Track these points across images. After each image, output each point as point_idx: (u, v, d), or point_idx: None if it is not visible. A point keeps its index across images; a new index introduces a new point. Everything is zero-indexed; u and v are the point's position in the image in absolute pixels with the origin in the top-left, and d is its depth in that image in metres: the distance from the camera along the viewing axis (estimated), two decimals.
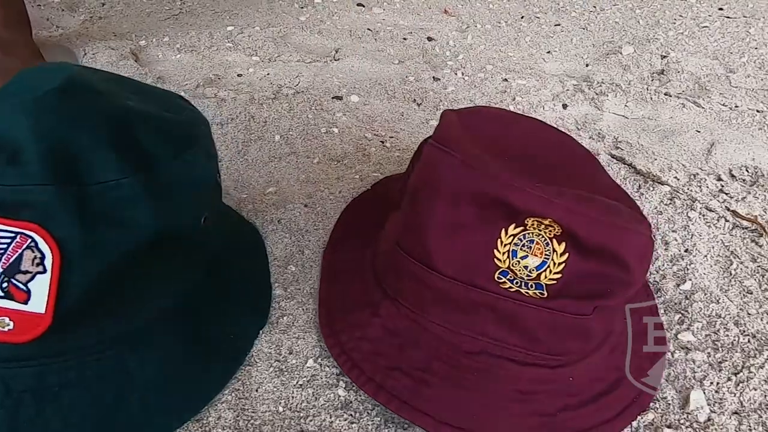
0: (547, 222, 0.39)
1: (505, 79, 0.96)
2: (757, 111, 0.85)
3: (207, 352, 0.43)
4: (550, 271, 0.40)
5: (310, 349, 0.46)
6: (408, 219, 0.44)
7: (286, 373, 0.45)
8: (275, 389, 0.43)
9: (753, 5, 1.25)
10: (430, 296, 0.42)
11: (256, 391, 0.43)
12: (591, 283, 0.40)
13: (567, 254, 0.39)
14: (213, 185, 0.44)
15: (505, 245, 0.40)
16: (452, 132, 0.44)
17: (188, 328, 0.42)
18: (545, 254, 0.39)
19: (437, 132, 0.45)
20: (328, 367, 0.45)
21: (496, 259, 0.40)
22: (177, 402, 0.39)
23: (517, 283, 0.40)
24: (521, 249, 0.40)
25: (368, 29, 1.15)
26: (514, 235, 0.40)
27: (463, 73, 0.98)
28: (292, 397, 0.43)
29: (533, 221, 0.39)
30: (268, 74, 0.95)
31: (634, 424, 0.42)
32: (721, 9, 1.25)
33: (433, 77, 0.96)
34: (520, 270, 0.40)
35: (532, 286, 0.40)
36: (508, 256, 0.40)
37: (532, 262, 0.40)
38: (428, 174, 0.42)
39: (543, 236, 0.39)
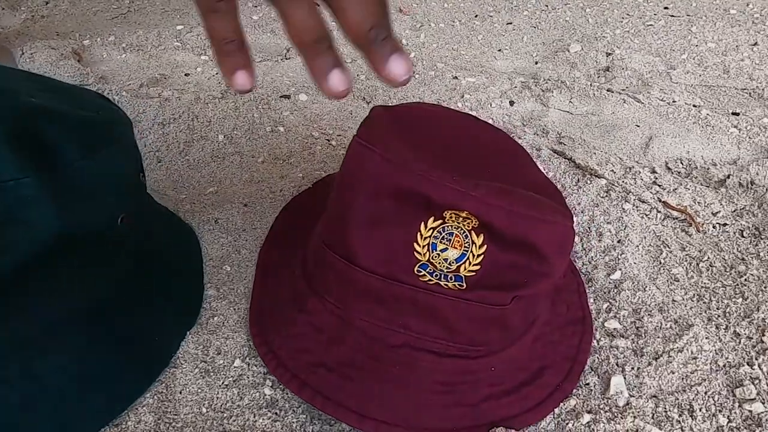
0: (464, 214, 0.39)
1: (455, 77, 0.97)
2: (694, 106, 0.88)
3: (127, 354, 0.42)
4: (470, 263, 0.40)
5: (239, 349, 0.46)
6: (331, 215, 0.44)
7: (212, 373, 0.44)
8: (199, 390, 0.43)
9: (696, 4, 1.29)
10: (353, 291, 0.42)
11: (180, 393, 0.42)
12: (509, 274, 0.40)
13: (485, 246, 0.40)
14: (132, 185, 0.43)
15: (425, 238, 0.40)
16: (376, 128, 0.44)
17: (107, 329, 0.41)
18: (464, 246, 0.40)
19: (361, 128, 0.45)
20: (256, 366, 0.45)
21: (416, 253, 0.40)
22: (92, 406, 0.38)
23: (436, 275, 0.40)
24: (441, 242, 0.40)
25: None
26: (434, 228, 0.40)
27: (414, 72, 0.99)
28: (217, 397, 0.42)
29: (451, 214, 0.40)
30: (216, 74, 0.94)
31: (557, 410, 0.43)
32: (666, 8, 1.29)
33: None
34: (440, 263, 0.40)
35: (451, 278, 0.40)
36: (428, 249, 0.40)
37: (452, 254, 0.40)
38: (350, 170, 0.42)
39: (462, 229, 0.40)
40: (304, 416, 0.42)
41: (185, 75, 0.92)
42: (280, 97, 0.88)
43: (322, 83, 0.28)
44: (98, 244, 0.39)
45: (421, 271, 0.40)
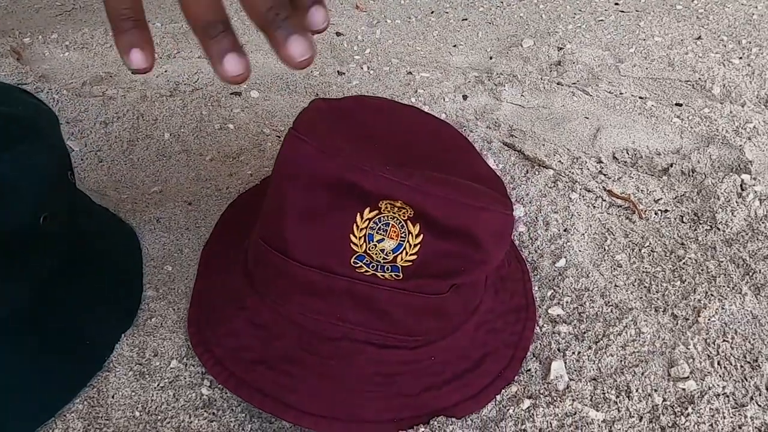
0: (399, 204, 0.39)
1: (410, 72, 0.97)
2: (640, 98, 0.90)
3: (55, 359, 0.40)
4: (407, 253, 0.40)
5: (176, 350, 0.45)
6: (267, 209, 0.43)
7: (147, 376, 0.43)
8: (133, 394, 0.41)
9: (645, 0, 1.33)
10: (290, 285, 0.41)
11: (112, 397, 0.41)
12: (446, 262, 0.40)
13: (422, 235, 0.40)
14: (56, 183, 0.41)
15: (361, 229, 0.40)
16: (311, 120, 0.44)
17: (34, 334, 0.40)
18: (401, 236, 0.40)
19: (297, 119, 0.44)
20: (193, 366, 0.44)
21: (352, 244, 0.40)
22: (15, 414, 0.36)
23: (373, 266, 0.40)
24: (377, 233, 0.40)
25: None
26: (370, 219, 0.40)
27: (368, 67, 0.98)
28: (151, 400, 0.41)
29: (387, 204, 0.39)
30: (165, 71, 0.91)
31: (498, 397, 0.43)
32: (617, 4, 1.32)
33: (338, 71, 0.96)
34: (376, 253, 0.40)
35: (388, 268, 0.40)
36: (365, 240, 0.40)
37: (389, 244, 0.40)
38: (284, 162, 0.42)
39: (398, 219, 0.40)
40: (243, 415, 0.41)
41: (132, 73, 0.89)
42: (231, 93, 0.86)
43: (217, 67, 0.28)
44: (19, 245, 0.38)
45: (357, 263, 0.40)
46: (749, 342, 0.48)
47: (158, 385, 0.42)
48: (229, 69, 0.28)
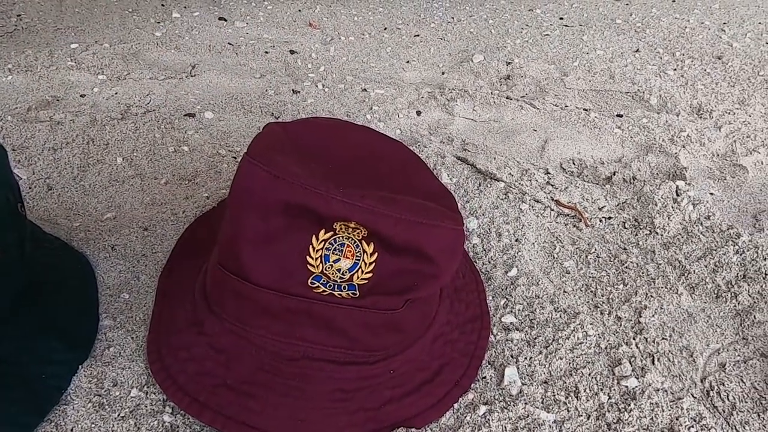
0: (353, 225, 0.41)
1: (365, 89, 0.99)
2: (584, 109, 0.95)
3: (9, 395, 0.39)
4: (362, 272, 0.41)
5: (136, 378, 0.44)
6: (224, 234, 0.44)
7: (106, 406, 0.42)
8: (93, 426, 0.41)
9: (587, 15, 1.40)
10: (248, 308, 0.42)
11: (71, 430, 0.40)
12: (400, 278, 0.42)
13: (376, 254, 0.41)
14: (6, 216, 0.41)
15: (317, 251, 0.41)
16: (264, 144, 0.45)
17: None
18: (356, 256, 0.41)
19: (252, 144, 0.45)
20: (155, 394, 0.43)
21: (309, 265, 0.41)
22: None
23: (330, 286, 0.41)
24: (333, 253, 0.41)
25: (229, 43, 1.13)
26: (325, 240, 0.41)
27: (323, 85, 1.00)
28: (112, 430, 0.41)
29: (341, 225, 0.41)
30: (115, 93, 0.90)
31: (456, 405, 0.45)
32: (561, 18, 1.39)
33: (293, 90, 0.97)
34: (333, 273, 0.41)
35: (345, 287, 0.41)
36: (321, 261, 0.41)
37: (345, 264, 0.41)
38: (239, 187, 0.43)
39: (352, 239, 0.41)
40: None
41: (80, 96, 0.88)
42: (185, 115, 0.86)
43: None
44: None
45: (314, 283, 0.41)
46: (685, 338, 0.52)
47: (119, 415, 0.42)
48: None
